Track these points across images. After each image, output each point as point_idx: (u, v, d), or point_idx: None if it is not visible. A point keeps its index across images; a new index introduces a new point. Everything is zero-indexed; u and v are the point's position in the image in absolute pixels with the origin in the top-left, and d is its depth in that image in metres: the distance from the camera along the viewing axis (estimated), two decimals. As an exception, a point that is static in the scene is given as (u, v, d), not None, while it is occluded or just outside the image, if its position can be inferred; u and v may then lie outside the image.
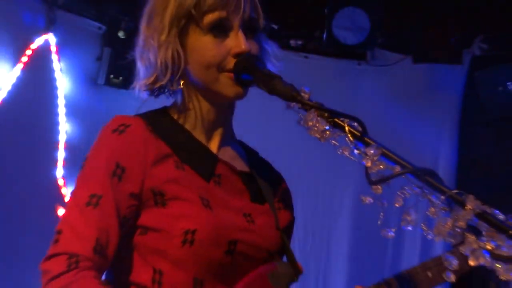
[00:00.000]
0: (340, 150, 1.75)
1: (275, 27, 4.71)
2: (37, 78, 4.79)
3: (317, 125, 1.76)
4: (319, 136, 1.77)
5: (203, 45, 1.88)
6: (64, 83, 4.83)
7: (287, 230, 2.13)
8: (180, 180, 1.88)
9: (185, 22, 1.88)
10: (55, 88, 4.82)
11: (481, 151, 4.78)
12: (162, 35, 1.88)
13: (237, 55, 1.86)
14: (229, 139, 2.10)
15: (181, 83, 1.94)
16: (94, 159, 1.86)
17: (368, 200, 1.71)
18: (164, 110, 2.04)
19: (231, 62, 1.87)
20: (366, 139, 1.74)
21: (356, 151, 1.74)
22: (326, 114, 1.75)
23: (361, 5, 4.76)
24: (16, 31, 4.68)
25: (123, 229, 1.79)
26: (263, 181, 2.09)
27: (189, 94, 1.98)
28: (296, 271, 1.98)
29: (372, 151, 1.73)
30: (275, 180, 2.18)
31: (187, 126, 2.00)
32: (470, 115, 4.88)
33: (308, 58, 4.98)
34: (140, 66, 1.97)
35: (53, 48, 4.78)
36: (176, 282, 1.84)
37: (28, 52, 4.68)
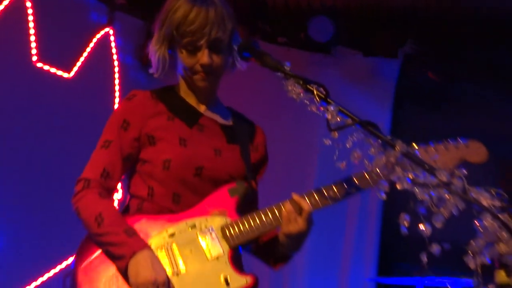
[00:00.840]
0: (310, 107, 1.87)
1: (269, 29, 4.91)
2: (101, 58, 4.76)
3: (294, 89, 1.86)
4: (295, 97, 1.87)
5: (182, 57, 2.10)
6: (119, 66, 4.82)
7: (258, 165, 2.23)
8: (167, 128, 2.08)
9: (172, 39, 2.09)
10: (114, 69, 4.83)
11: (411, 122, 4.90)
12: (157, 45, 2.14)
13: (202, 66, 2.07)
14: (216, 105, 2.24)
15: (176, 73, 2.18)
16: (111, 118, 2.12)
17: (328, 142, 1.83)
18: (171, 86, 2.24)
19: (199, 68, 2.07)
20: (328, 99, 1.84)
21: (320, 108, 1.85)
22: (301, 82, 1.85)
23: (328, 15, 4.84)
24: (84, 25, 4.68)
25: (128, 162, 2.07)
26: (242, 131, 2.23)
27: (182, 78, 2.19)
28: (251, 187, 2.12)
29: (332, 108, 1.80)
30: (253, 131, 2.28)
31: (182, 95, 2.19)
32: (401, 93, 5.00)
33: (289, 51, 5.02)
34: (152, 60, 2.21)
35: (112, 38, 4.81)
36: (161, 195, 2.03)
37: (95, 38, 4.74)
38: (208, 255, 1.93)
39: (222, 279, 1.89)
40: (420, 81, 4.95)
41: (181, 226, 1.97)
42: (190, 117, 2.14)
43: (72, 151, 4.35)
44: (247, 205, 2.08)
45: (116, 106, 4.81)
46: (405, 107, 4.91)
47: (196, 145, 2.07)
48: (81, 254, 1.98)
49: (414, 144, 2.06)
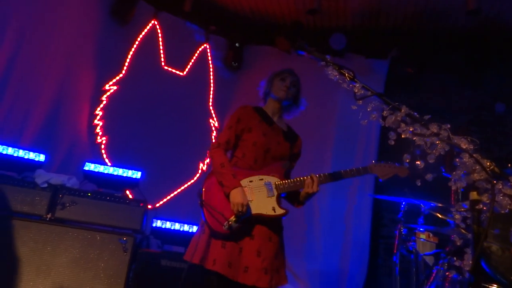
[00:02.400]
0: (343, 85, 1.73)
1: (304, 42, 4.69)
2: (202, 62, 4.72)
3: (333, 72, 1.73)
4: (333, 78, 1.75)
5: (277, 83, 2.37)
6: (212, 67, 4.74)
7: (295, 156, 2.39)
8: (258, 125, 2.30)
9: (273, 81, 2.39)
10: (209, 69, 4.75)
11: (394, 98, 4.67)
12: (267, 84, 2.43)
13: (286, 86, 2.34)
14: (282, 120, 2.42)
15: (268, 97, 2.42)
16: (233, 114, 2.32)
17: (355, 107, 1.70)
18: (260, 106, 2.42)
19: (284, 87, 2.34)
20: (355, 79, 1.70)
21: (350, 85, 1.72)
22: (337, 67, 1.71)
23: (342, 32, 4.64)
24: (192, 42, 4.68)
25: (237, 139, 2.28)
26: (291, 136, 2.39)
27: (269, 101, 2.41)
28: (291, 166, 2.36)
29: (357, 85, 1.69)
30: (296, 138, 2.42)
31: (266, 110, 2.39)
32: (389, 82, 4.71)
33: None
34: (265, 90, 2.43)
35: (208, 50, 4.77)
36: (249, 158, 2.25)
37: (198, 51, 4.70)
38: (266, 194, 2.17)
39: (271, 207, 2.15)
40: (402, 74, 4.69)
41: (256, 178, 2.20)
42: (269, 122, 2.35)
43: (184, 120, 4.47)
44: (287, 174, 2.35)
45: (211, 92, 4.79)
46: (392, 92, 4.67)
47: (270, 137, 2.29)
48: (207, 179, 2.21)
49: (373, 161, 2.25)
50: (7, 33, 3.51)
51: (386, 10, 4.42)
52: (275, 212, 2.13)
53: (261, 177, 2.19)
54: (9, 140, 3.24)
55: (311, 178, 2.17)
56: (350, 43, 4.64)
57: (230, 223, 2.05)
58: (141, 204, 3.11)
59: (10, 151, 3.05)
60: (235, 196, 2.07)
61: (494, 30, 4.40)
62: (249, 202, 2.11)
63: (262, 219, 2.12)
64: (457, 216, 1.50)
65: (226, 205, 2.10)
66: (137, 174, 3.30)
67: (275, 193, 2.17)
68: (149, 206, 3.76)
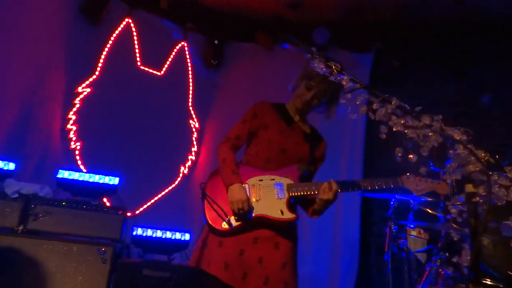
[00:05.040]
0: (330, 77, 1.71)
1: (285, 35, 4.71)
2: (180, 61, 4.67)
3: (319, 65, 1.71)
4: (319, 70, 1.72)
5: (300, 88, 2.22)
6: (191, 66, 4.67)
7: (317, 159, 2.25)
8: (275, 123, 2.19)
9: (304, 78, 2.19)
10: (188, 68, 4.69)
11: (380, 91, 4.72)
12: (299, 79, 2.24)
13: (305, 99, 2.18)
14: (304, 121, 2.30)
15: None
16: (250, 109, 2.23)
17: (343, 100, 1.67)
18: (282, 104, 2.31)
19: (303, 99, 2.19)
20: (342, 71, 1.68)
21: (338, 78, 1.70)
22: (323, 60, 1.69)
23: (325, 26, 4.64)
24: (169, 40, 4.63)
25: (250, 135, 2.20)
26: (314, 138, 2.26)
27: (293, 100, 2.26)
28: (308, 169, 2.18)
29: (345, 77, 1.66)
30: (320, 140, 2.29)
31: (287, 108, 2.29)
32: (374, 75, 4.73)
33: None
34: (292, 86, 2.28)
35: (186, 48, 4.72)
36: (262, 157, 2.15)
37: (176, 49, 4.66)
38: (276, 196, 2.05)
39: (279, 210, 2.02)
40: (387, 68, 4.73)
41: (266, 177, 2.09)
42: (288, 121, 2.24)
43: (162, 121, 4.41)
44: (304, 178, 2.17)
45: (190, 92, 4.75)
46: (378, 85, 4.70)
47: (287, 136, 2.18)
48: (212, 175, 2.15)
49: (408, 173, 2.02)
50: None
51: (370, 2, 4.44)
52: (282, 215, 1.98)
53: (272, 177, 2.08)
54: (-25, 149, 3.13)
55: (329, 183, 2.02)
56: (333, 37, 4.65)
57: (228, 221, 1.96)
58: (120, 212, 3.04)
59: (-24, 160, 2.94)
60: (233, 192, 1.98)
61: (477, 21, 4.47)
62: (254, 201, 2.01)
63: (271, 223, 1.99)
64: (453, 210, 1.49)
65: (225, 201, 2.02)
66: (115, 180, 3.24)
67: (286, 195, 2.03)
68: (129, 214, 3.70)
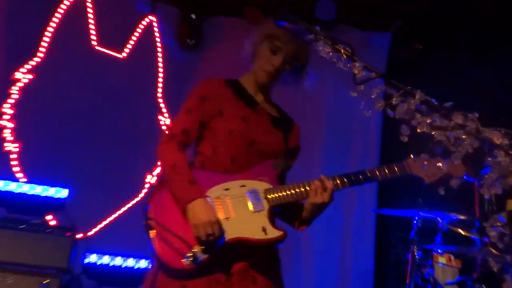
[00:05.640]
0: (338, 64, 1.71)
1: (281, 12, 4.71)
2: (147, 41, 4.67)
3: (324, 49, 1.70)
4: (325, 56, 1.71)
5: (263, 54, 2.09)
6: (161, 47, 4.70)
7: (293, 150, 2.20)
8: (233, 106, 2.08)
9: (266, 39, 2.08)
10: (157, 49, 4.71)
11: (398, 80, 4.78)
12: (257, 40, 2.13)
13: (272, 66, 2.07)
14: (269, 100, 2.21)
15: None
16: (194, 91, 2.11)
17: (355, 94, 1.67)
18: (235, 79, 2.19)
19: (268, 67, 2.08)
20: (353, 57, 1.68)
21: (348, 65, 1.69)
22: (330, 42, 1.69)
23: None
24: (132, 14, 4.60)
25: (201, 126, 2.06)
26: (285, 124, 2.19)
27: (250, 70, 2.17)
28: (287, 166, 2.13)
29: (357, 64, 1.66)
30: (292, 126, 2.22)
31: (245, 86, 2.17)
32: (392, 60, 4.78)
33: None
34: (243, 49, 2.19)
35: (155, 24, 4.71)
36: (222, 155, 2.02)
37: (141, 25, 4.65)
38: (252, 208, 1.93)
39: (260, 227, 1.90)
40: (407, 49, 4.77)
41: (234, 184, 1.97)
42: (250, 102, 2.13)
43: (124, 117, 4.40)
44: (282, 179, 2.12)
45: (160, 80, 4.76)
46: (397, 72, 4.73)
47: (253, 123, 2.07)
48: (157, 190, 2.01)
49: (411, 155, 1.96)
50: None
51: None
52: (266, 234, 1.87)
53: (242, 182, 1.96)
54: None
55: (321, 181, 1.94)
56: (341, 12, 4.67)
57: (194, 255, 1.79)
58: (68, 233, 3.04)
59: None
60: (196, 212, 1.82)
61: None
62: (224, 220, 1.86)
63: (246, 248, 1.87)
64: (491, 233, 1.49)
65: (186, 228, 1.84)
66: (62, 193, 3.23)
67: (266, 206, 1.93)
68: (79, 236, 3.66)
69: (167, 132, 2.09)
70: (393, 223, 4.45)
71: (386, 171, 1.95)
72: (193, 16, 4.84)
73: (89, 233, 4.03)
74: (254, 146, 2.02)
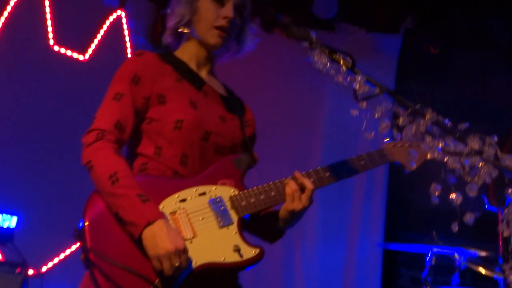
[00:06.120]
0: (337, 78, 1.74)
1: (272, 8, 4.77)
2: (114, 40, 4.67)
3: (321, 59, 1.75)
4: (321, 67, 1.75)
5: (205, 8, 1.98)
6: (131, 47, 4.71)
7: (251, 139, 2.14)
8: (177, 88, 1.95)
9: None
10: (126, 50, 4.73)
11: (413, 94, 4.83)
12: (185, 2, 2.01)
13: (225, 19, 1.96)
14: (214, 75, 2.12)
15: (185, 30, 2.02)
16: (121, 70, 1.94)
17: (355, 112, 1.71)
18: (170, 51, 2.08)
19: (221, 22, 1.97)
20: (355, 69, 1.72)
21: (348, 78, 1.73)
22: (327, 51, 1.73)
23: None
24: (97, 9, 4.58)
25: (137, 117, 1.90)
26: (236, 105, 2.11)
27: (188, 40, 2.05)
28: (253, 160, 2.00)
29: (359, 77, 1.71)
30: (243, 107, 2.16)
31: (184, 59, 2.03)
32: (403, 65, 4.88)
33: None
34: (170, 18, 2.04)
35: (124, 20, 4.72)
36: (169, 155, 1.88)
37: (108, 21, 4.68)
38: (218, 224, 1.83)
39: (231, 247, 1.79)
40: (420, 55, 4.85)
41: (191, 192, 1.85)
42: (196, 81, 2.01)
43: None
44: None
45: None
46: (408, 80, 4.81)
47: (204, 109, 1.95)
48: (90, 206, 1.80)
49: (386, 139, 2.07)
50: None
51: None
52: (241, 256, 1.79)
53: (201, 189, 1.85)
54: None
55: (296, 178, 1.90)
56: (343, 8, 4.75)
57: None
58: (18, 270, 3.02)
59: None
60: (157, 240, 1.66)
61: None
62: (187, 243, 1.74)
63: (213, 276, 1.80)
64: (512, 277, 1.53)
65: (138, 257, 1.71)
66: (11, 221, 3.24)
67: (234, 218, 1.84)
68: (31, 272, 3.64)
69: (93, 128, 1.84)
70: (403, 260, 4.48)
71: (366, 157, 2.02)
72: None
73: (43, 269, 4.01)
74: (210, 140, 1.93)
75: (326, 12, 4.74)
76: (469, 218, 1.58)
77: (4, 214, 3.25)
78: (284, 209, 1.91)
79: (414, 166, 2.00)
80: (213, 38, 1.99)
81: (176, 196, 1.82)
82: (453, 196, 1.61)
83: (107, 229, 1.75)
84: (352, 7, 4.84)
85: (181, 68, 2.00)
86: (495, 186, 1.63)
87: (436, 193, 1.63)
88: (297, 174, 1.92)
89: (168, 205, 1.80)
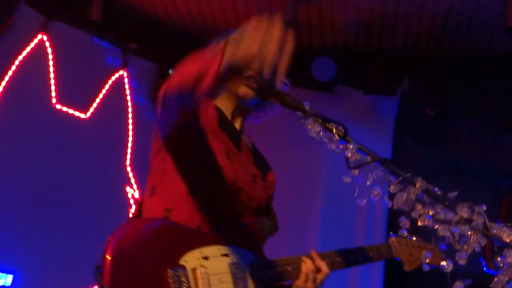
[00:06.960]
0: (329, 146, 1.80)
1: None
2: (116, 99, 4.76)
3: (314, 128, 1.80)
4: (315, 136, 1.81)
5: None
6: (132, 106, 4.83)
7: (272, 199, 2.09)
8: (218, 137, 1.88)
9: None
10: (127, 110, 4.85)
11: (410, 156, 4.86)
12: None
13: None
14: (244, 131, 2.07)
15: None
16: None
17: (348, 179, 1.75)
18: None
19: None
20: (347, 137, 1.78)
21: (340, 146, 1.79)
22: (320, 120, 1.79)
23: (329, 56, 4.83)
24: (100, 68, 4.69)
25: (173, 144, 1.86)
26: (263, 164, 2.09)
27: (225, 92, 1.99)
28: (275, 228, 1.98)
29: (351, 146, 1.76)
30: (268, 168, 2.12)
31: (222, 108, 1.98)
32: (400, 126, 4.95)
33: (293, 90, 5.00)
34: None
35: (126, 80, 4.83)
36: (198, 201, 1.82)
37: (110, 81, 4.77)
38: None
39: None
40: (417, 116, 4.92)
41: (215, 251, 1.76)
42: (234, 135, 1.96)
43: (86, 189, 4.38)
44: None
45: (129, 145, 4.81)
46: (405, 142, 4.86)
47: (238, 163, 1.89)
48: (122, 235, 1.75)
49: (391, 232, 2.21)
50: None
51: (392, 24, 4.65)
52: None
53: (224, 250, 1.77)
54: None
55: (313, 259, 1.91)
56: (341, 71, 4.85)
57: None
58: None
59: None
60: None
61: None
62: None
63: None
64: None
65: None
66: (7, 279, 3.19)
67: (251, 287, 1.79)
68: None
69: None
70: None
71: (374, 251, 2.10)
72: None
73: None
74: (238, 197, 1.85)
75: (325, 75, 4.82)
76: (459, 286, 1.60)
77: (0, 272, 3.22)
78: (294, 286, 1.90)
79: (410, 269, 2.13)
80: (245, 94, 1.95)
81: (199, 252, 1.72)
82: (443, 263, 1.64)
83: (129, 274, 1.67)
84: (350, 70, 4.93)
85: (223, 122, 1.95)
86: (491, 248, 1.65)
87: (427, 261, 1.66)
88: (314, 254, 1.94)
89: (190, 260, 1.70)
